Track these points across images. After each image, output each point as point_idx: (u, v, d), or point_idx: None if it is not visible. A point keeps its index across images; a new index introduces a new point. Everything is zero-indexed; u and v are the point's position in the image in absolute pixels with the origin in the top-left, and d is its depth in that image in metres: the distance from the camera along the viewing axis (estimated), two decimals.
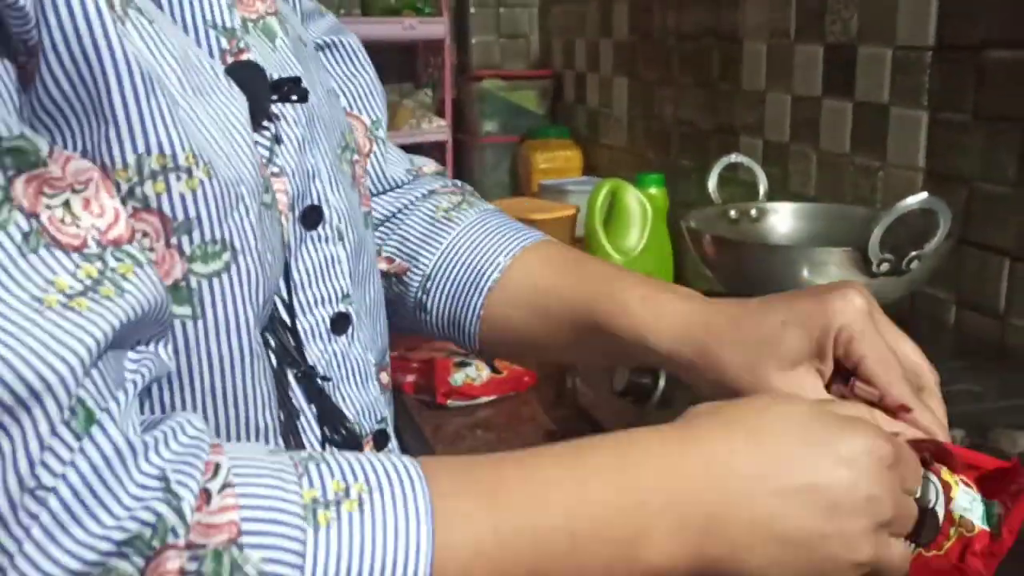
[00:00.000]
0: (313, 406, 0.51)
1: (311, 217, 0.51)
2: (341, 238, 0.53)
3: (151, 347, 0.39)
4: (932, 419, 0.50)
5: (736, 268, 0.93)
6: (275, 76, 0.49)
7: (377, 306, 0.59)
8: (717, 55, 1.47)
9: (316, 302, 0.52)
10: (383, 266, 0.66)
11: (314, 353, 0.51)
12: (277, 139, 0.49)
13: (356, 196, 0.58)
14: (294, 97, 0.50)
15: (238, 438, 0.44)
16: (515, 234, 0.66)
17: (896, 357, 0.51)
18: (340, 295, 0.53)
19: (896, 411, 0.50)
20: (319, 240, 0.52)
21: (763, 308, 0.54)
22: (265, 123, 0.48)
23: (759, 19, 1.35)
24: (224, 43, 0.46)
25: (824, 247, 0.88)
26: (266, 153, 0.48)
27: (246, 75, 0.46)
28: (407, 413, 1.11)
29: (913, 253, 0.86)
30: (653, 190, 1.57)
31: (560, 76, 2.09)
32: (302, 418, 0.50)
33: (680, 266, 1.60)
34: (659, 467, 0.41)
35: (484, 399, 1.13)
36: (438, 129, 2.03)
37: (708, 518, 0.40)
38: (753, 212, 1.11)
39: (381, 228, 0.68)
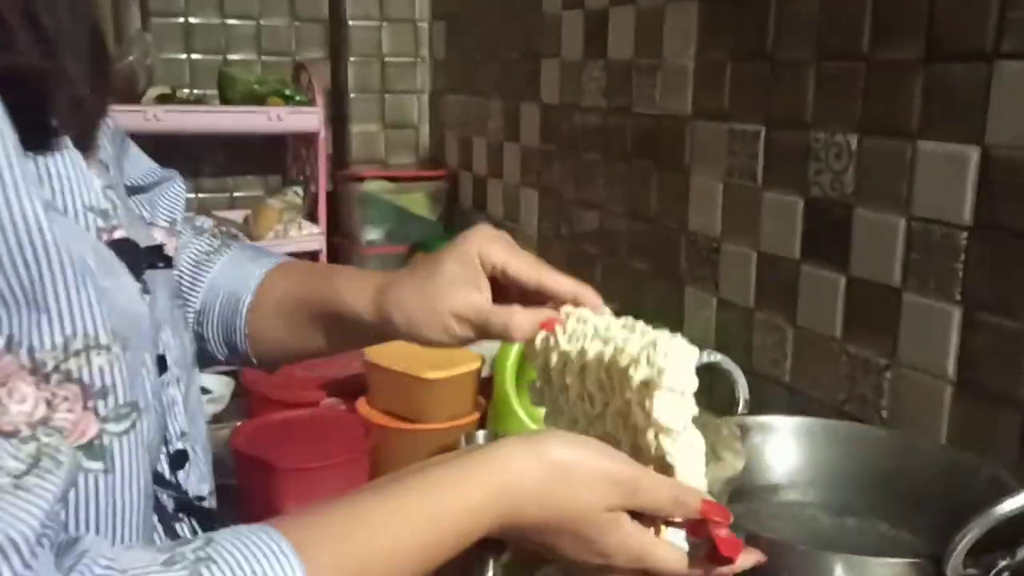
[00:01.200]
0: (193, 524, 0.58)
1: (160, 366, 0.54)
2: (179, 381, 0.58)
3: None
4: (568, 282, 0.64)
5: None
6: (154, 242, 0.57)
7: (201, 438, 0.63)
8: (656, 181, 1.21)
9: (160, 442, 0.54)
10: None
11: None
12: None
13: (188, 336, 0.64)
14: (160, 264, 0.57)
15: None
16: (262, 260, 0.76)
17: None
18: (178, 434, 0.57)
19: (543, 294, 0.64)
20: (163, 386, 0.55)
21: (431, 260, 0.67)
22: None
23: (713, 149, 1.09)
24: (101, 223, 0.50)
25: (878, 557, 0.60)
26: None
27: (125, 251, 0.50)
28: None
29: (1003, 563, 0.60)
30: None
31: (455, 176, 1.80)
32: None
33: None
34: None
35: None
36: (310, 237, 1.70)
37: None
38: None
39: None
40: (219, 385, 1.55)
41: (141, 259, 0.53)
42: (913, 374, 0.86)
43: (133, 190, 0.68)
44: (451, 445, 1.20)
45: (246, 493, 1.18)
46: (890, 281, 0.87)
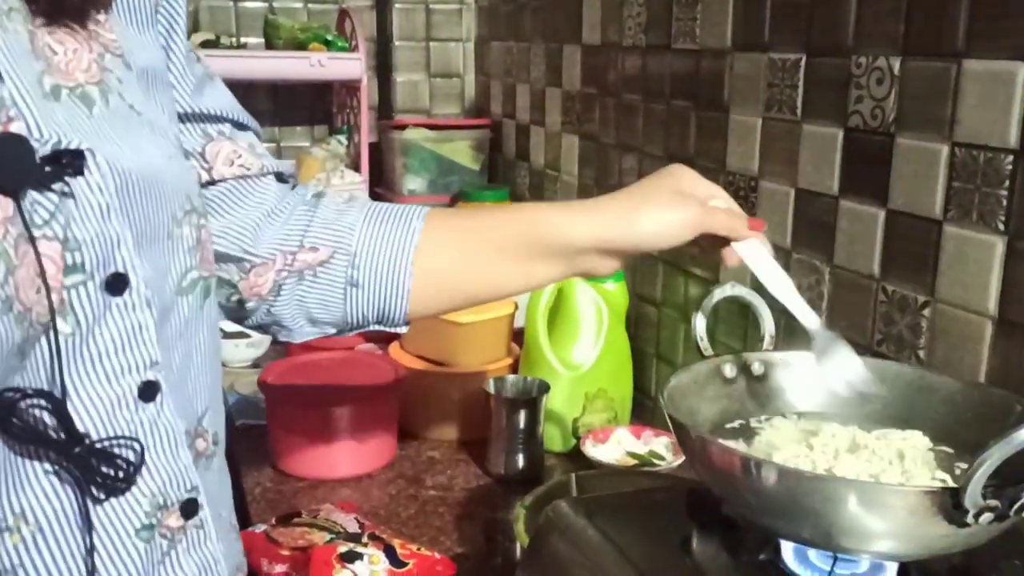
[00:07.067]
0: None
1: (116, 284, 0.53)
2: (149, 304, 0.54)
3: None
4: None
5: (751, 496, 0.61)
6: (74, 145, 0.50)
7: (188, 370, 0.60)
8: (695, 121, 1.16)
9: (123, 370, 0.53)
10: (307, 256, 0.74)
11: (120, 423, 0.53)
12: (68, 207, 0.50)
13: (192, 260, 0.60)
14: (70, 171, 0.50)
15: None
16: (414, 207, 0.77)
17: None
18: (148, 362, 0.55)
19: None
20: (125, 308, 0.53)
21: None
22: (45, 194, 0.49)
23: (752, 82, 1.04)
24: None
25: (894, 486, 0.57)
26: (41, 219, 0.49)
27: (5, 148, 0.47)
28: None
29: None
30: (610, 286, 1.26)
31: (499, 126, 1.77)
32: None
33: (642, 380, 1.29)
34: None
35: None
36: (351, 185, 1.69)
37: None
38: (756, 366, 0.79)
39: (291, 221, 0.76)
40: None
41: (28, 157, 0.48)
42: (952, 311, 0.80)
43: (207, 117, 0.70)
44: (480, 389, 1.18)
45: (272, 428, 1.18)
46: (931, 213, 0.82)
